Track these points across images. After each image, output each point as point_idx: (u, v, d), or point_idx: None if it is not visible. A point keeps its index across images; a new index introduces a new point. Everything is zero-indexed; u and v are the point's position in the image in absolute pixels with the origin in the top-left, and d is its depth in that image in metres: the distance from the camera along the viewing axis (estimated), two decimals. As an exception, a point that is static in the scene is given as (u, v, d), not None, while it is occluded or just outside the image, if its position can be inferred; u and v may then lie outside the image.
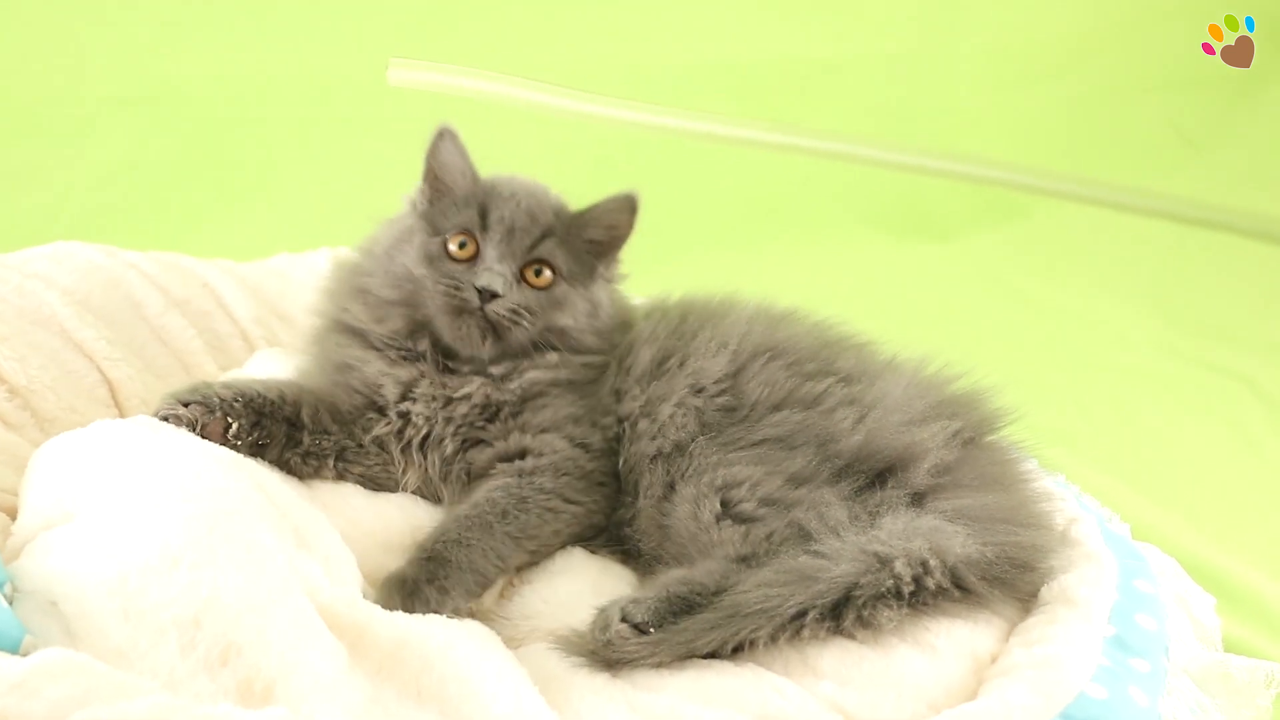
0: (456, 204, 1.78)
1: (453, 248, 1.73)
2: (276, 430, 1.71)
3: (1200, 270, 3.75)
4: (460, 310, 1.70)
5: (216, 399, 1.66)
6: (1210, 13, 4.04)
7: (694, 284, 1.96)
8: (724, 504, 1.60)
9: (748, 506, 1.59)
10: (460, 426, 1.75)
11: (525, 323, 1.72)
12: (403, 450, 1.76)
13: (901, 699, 1.40)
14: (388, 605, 1.48)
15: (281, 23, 3.66)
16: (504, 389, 1.76)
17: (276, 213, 3.34)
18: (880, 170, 4.04)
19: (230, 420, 1.65)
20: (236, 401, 1.68)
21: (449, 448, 1.75)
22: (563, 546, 1.73)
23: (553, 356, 1.78)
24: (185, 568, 1.25)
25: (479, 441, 1.76)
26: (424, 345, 1.77)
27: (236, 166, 3.52)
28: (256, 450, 1.67)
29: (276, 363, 2.03)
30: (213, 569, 1.26)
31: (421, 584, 1.55)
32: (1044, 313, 3.43)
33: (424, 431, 1.75)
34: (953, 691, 1.43)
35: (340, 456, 1.76)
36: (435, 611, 1.52)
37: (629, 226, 1.83)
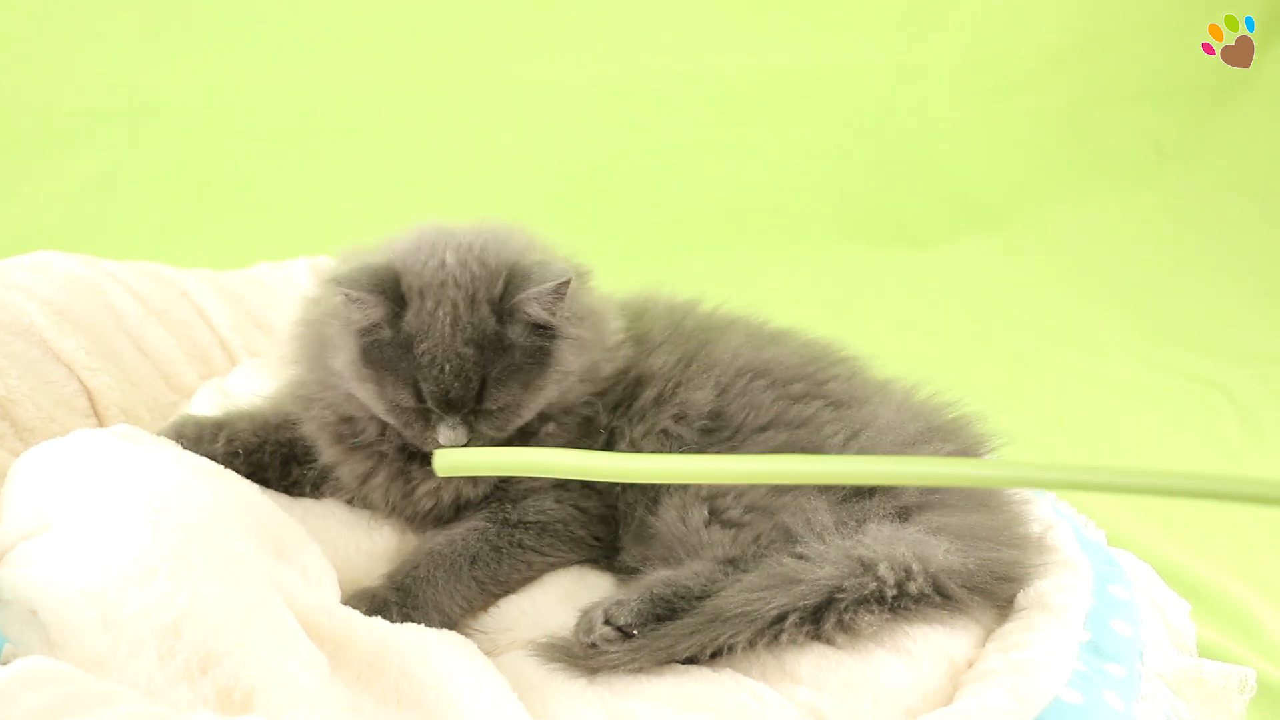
0: (385, 352, 1.60)
1: (404, 404, 1.61)
2: (271, 475, 1.74)
3: (1176, 280, 3.78)
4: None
5: (220, 453, 1.68)
6: (1184, 24, 4.09)
7: (672, 288, 1.95)
8: (711, 511, 1.60)
9: (734, 514, 1.59)
10: (429, 516, 1.72)
11: (497, 436, 1.63)
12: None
13: (878, 704, 1.41)
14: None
15: (260, 34, 3.66)
16: (478, 484, 1.70)
17: (256, 222, 3.34)
18: (858, 176, 4.08)
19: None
20: (237, 456, 1.70)
21: (418, 520, 1.73)
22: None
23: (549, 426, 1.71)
24: (163, 577, 1.26)
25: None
26: (386, 447, 1.70)
27: (216, 177, 3.51)
28: None
29: (262, 376, 2.03)
30: (191, 578, 1.27)
31: (390, 605, 1.56)
32: (1020, 321, 3.44)
33: (389, 505, 1.73)
34: (929, 697, 1.44)
35: (316, 485, 1.78)
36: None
37: (565, 302, 1.63)
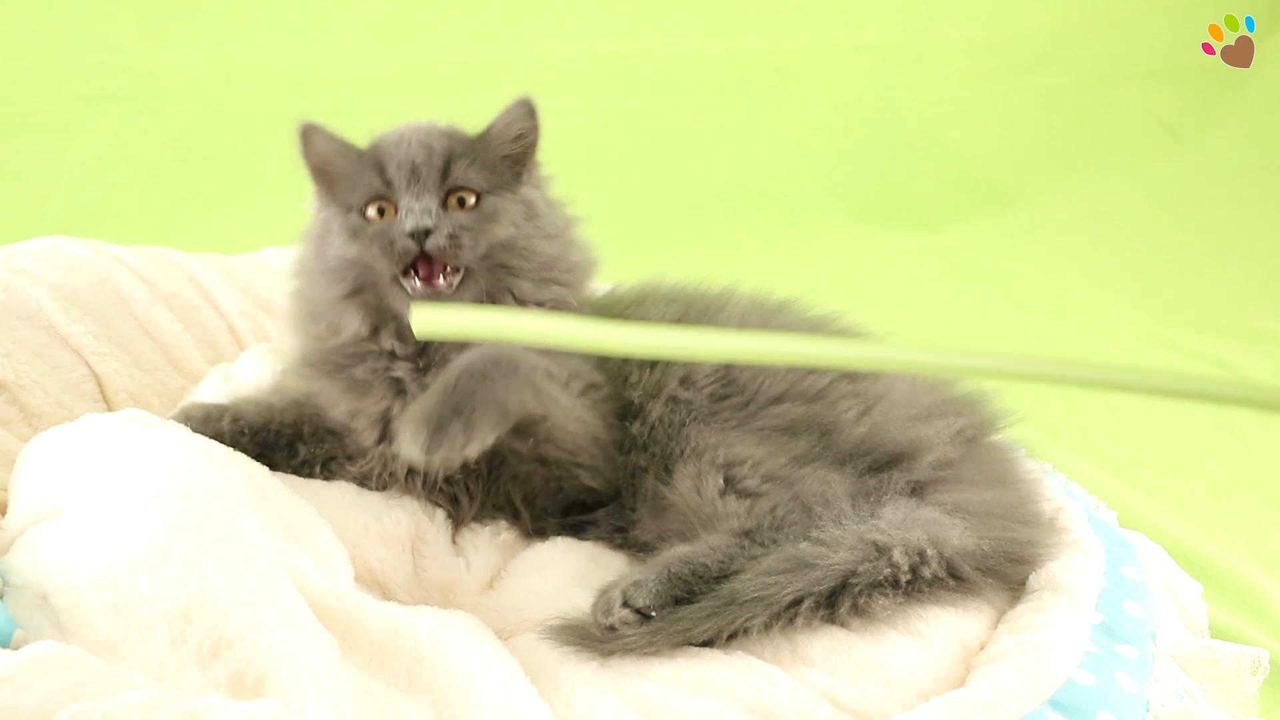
0: (353, 179, 1.69)
1: (371, 214, 1.66)
2: (279, 457, 1.74)
3: (1184, 259, 3.77)
4: (404, 264, 1.62)
5: (226, 431, 1.69)
6: (1191, 4, 4.08)
7: (679, 273, 1.95)
8: (727, 480, 1.60)
9: (751, 483, 1.59)
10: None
11: (467, 243, 1.63)
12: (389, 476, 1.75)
13: (891, 687, 1.40)
14: (416, 442, 1.48)
15: (264, 15, 3.66)
16: None
17: (263, 206, 3.32)
18: (866, 158, 4.07)
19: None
20: (243, 435, 1.70)
21: (434, 478, 1.73)
22: (559, 492, 1.74)
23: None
24: (174, 562, 1.25)
25: None
26: (389, 341, 1.70)
27: (222, 160, 3.52)
28: None
29: (270, 361, 2.03)
30: (202, 563, 1.26)
31: (447, 420, 1.50)
32: (1028, 302, 3.44)
33: (406, 470, 1.72)
34: (942, 679, 1.44)
35: (325, 465, 1.77)
36: (464, 447, 1.50)
37: (535, 130, 1.74)
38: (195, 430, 1.66)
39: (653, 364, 1.75)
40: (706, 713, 1.34)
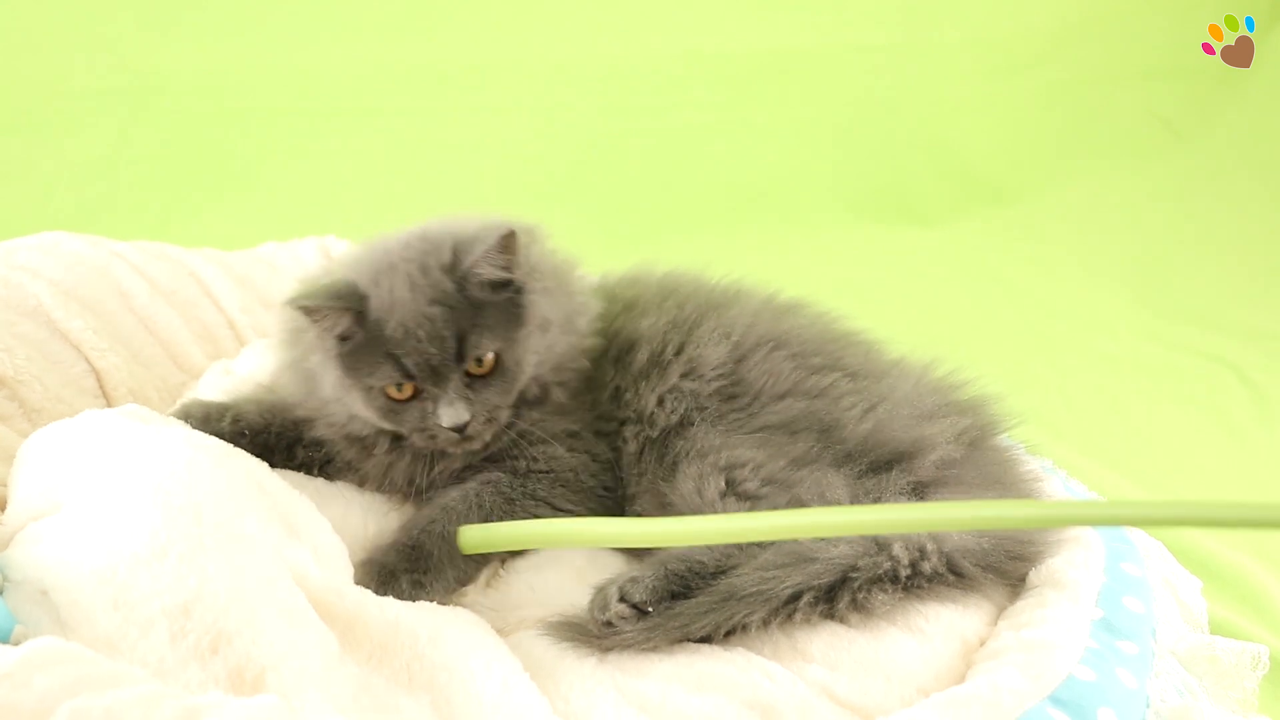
0: (361, 351, 1.61)
1: (394, 395, 1.61)
2: (278, 458, 1.73)
3: (1185, 256, 3.77)
4: (448, 447, 1.65)
5: (226, 432, 1.68)
6: (1190, 2, 4.08)
7: (668, 264, 1.95)
8: (728, 483, 1.59)
9: (751, 485, 1.58)
10: (446, 476, 1.72)
11: (501, 416, 1.65)
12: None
13: (890, 683, 1.40)
14: (364, 585, 1.50)
15: (265, 13, 3.66)
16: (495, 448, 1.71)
17: (262, 202, 3.34)
18: (865, 155, 4.07)
19: None
20: (244, 436, 1.70)
21: (436, 484, 1.73)
22: None
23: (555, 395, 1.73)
24: (174, 558, 1.25)
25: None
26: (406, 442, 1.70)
27: (222, 157, 3.52)
28: None
29: (270, 357, 2.02)
30: (201, 559, 1.26)
31: (399, 573, 1.56)
32: (1028, 299, 3.44)
33: (408, 487, 1.73)
34: (941, 675, 1.44)
35: (323, 468, 1.78)
36: (412, 599, 1.54)
37: (517, 253, 1.63)
38: (195, 429, 1.66)
39: (648, 374, 1.74)
40: (706, 709, 1.34)
